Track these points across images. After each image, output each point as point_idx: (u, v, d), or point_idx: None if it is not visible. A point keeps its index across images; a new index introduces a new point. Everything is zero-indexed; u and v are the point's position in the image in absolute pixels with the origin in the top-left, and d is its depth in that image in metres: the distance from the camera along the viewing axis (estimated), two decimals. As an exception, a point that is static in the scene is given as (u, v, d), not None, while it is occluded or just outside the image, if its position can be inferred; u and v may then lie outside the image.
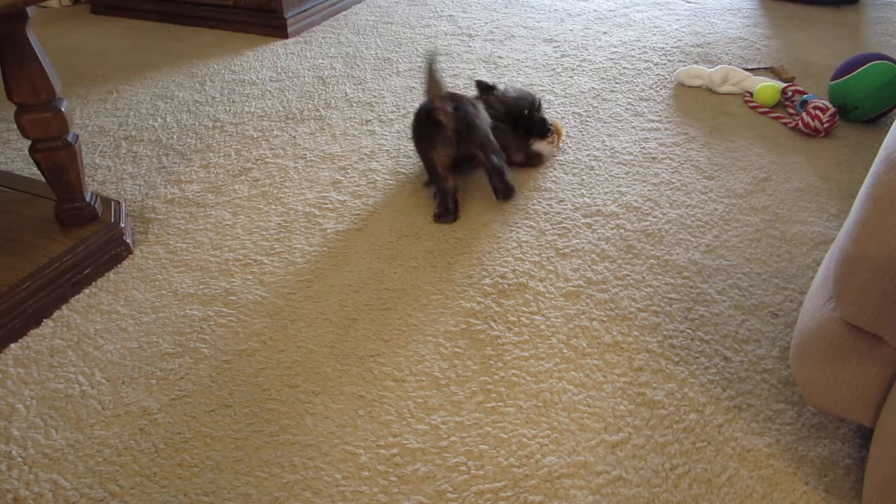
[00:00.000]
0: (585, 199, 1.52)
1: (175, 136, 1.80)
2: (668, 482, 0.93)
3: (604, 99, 1.93)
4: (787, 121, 1.78)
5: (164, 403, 1.06)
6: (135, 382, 1.10)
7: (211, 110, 1.93)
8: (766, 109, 1.84)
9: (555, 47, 2.28)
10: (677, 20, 2.49)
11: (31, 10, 1.15)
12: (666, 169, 1.62)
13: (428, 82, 1.44)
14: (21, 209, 1.39)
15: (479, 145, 1.45)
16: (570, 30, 2.42)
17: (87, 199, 1.34)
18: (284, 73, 2.14)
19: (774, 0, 2.67)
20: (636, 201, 1.50)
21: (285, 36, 2.41)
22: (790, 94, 1.86)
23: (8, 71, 1.16)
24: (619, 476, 0.94)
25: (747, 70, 2.01)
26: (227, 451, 0.99)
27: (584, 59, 2.18)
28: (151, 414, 1.05)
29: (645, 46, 2.26)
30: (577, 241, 1.39)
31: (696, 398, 1.05)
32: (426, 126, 1.45)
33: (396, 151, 1.71)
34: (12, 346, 1.17)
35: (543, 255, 1.35)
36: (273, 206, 1.52)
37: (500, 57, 2.21)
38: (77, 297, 1.28)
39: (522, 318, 1.20)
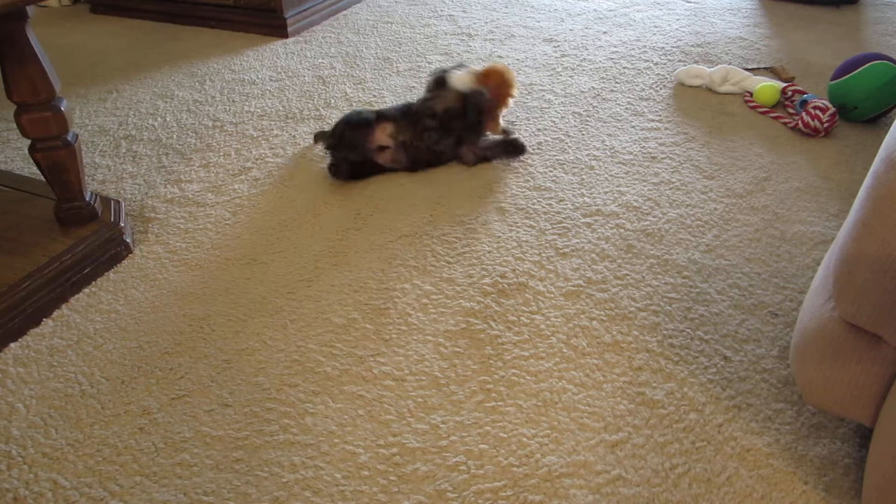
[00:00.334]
0: (585, 198, 1.52)
1: (175, 136, 1.80)
2: (667, 481, 0.93)
3: (604, 98, 1.93)
4: (786, 121, 1.78)
5: (163, 403, 1.06)
6: (134, 382, 1.10)
7: (211, 110, 1.93)
8: (765, 109, 1.84)
9: (555, 47, 2.28)
10: (677, 20, 2.49)
11: (30, 10, 1.15)
12: (666, 168, 1.62)
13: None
14: (21, 208, 1.39)
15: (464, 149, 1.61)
16: (570, 29, 2.42)
17: (87, 199, 1.34)
18: (284, 72, 2.14)
19: (774, 0, 2.67)
20: (636, 201, 1.50)
21: (285, 35, 2.41)
22: (790, 93, 1.86)
23: (8, 70, 1.16)
24: (618, 475, 0.94)
25: (747, 70, 2.01)
26: (226, 450, 0.99)
27: (584, 59, 2.18)
28: (151, 413, 1.05)
29: (645, 46, 2.26)
30: (577, 240, 1.39)
31: (695, 398, 1.05)
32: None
33: (396, 151, 1.71)
34: (12, 345, 1.17)
35: (543, 255, 1.35)
36: (273, 206, 1.52)
37: (500, 57, 2.21)
38: (77, 296, 1.28)
39: (522, 318, 1.20)
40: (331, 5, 2.61)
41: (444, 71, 1.64)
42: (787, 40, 2.30)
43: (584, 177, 1.59)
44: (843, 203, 1.48)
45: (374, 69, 2.14)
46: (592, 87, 2.00)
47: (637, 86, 2.00)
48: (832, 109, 1.70)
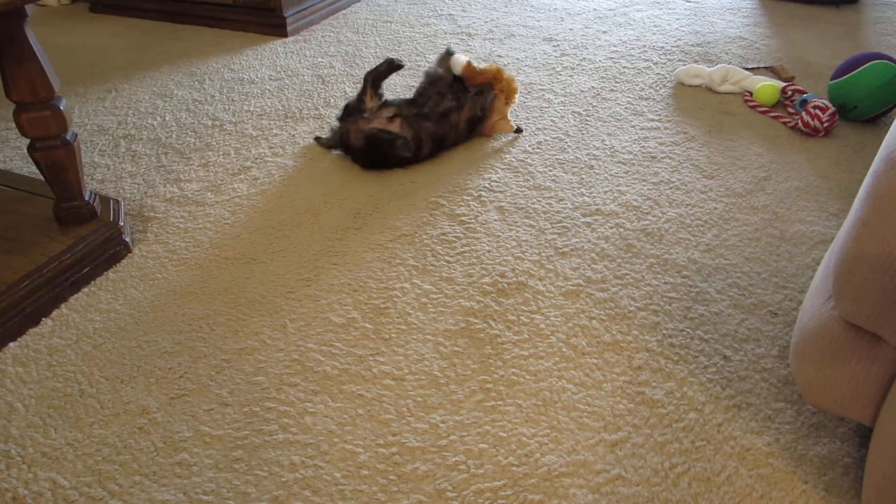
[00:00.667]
0: (585, 197, 1.51)
1: (174, 135, 1.80)
2: (667, 481, 0.93)
3: (603, 98, 1.93)
4: (786, 120, 1.78)
5: (163, 402, 1.06)
6: (134, 381, 1.10)
7: (210, 109, 1.93)
8: (765, 109, 1.84)
9: (554, 46, 2.28)
10: (677, 19, 2.49)
11: (29, 9, 1.15)
12: (665, 168, 1.62)
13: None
14: (20, 208, 1.38)
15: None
16: (570, 29, 2.42)
17: (86, 198, 1.34)
18: (284, 71, 2.14)
19: (774, -1, 2.67)
20: (636, 200, 1.50)
21: (284, 35, 2.41)
22: (790, 93, 1.86)
23: (7, 69, 1.16)
24: (618, 475, 0.94)
25: (747, 69, 2.01)
26: (226, 449, 0.99)
27: (584, 59, 2.18)
28: (150, 413, 1.05)
29: (645, 45, 2.26)
30: (577, 240, 1.39)
31: (695, 397, 1.05)
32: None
33: (396, 150, 1.71)
34: (11, 344, 1.17)
35: (543, 254, 1.35)
36: (272, 205, 1.52)
37: (500, 56, 2.21)
38: (76, 295, 1.27)
39: (522, 317, 1.20)
40: (330, 4, 2.61)
41: (450, 52, 1.75)
42: (786, 40, 2.30)
43: (583, 176, 1.59)
44: (842, 202, 1.48)
45: (374, 68, 2.14)
46: (592, 87, 1.99)
47: (637, 85, 2.00)
48: (832, 109, 1.70)
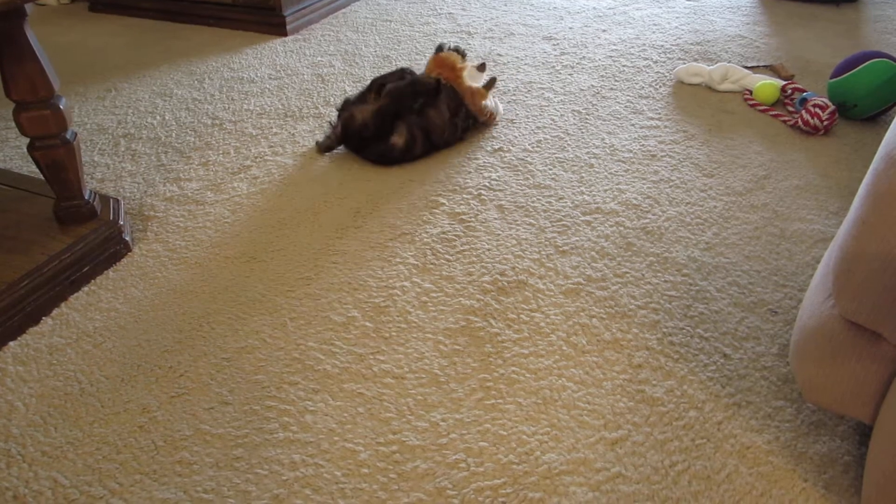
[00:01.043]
0: (585, 196, 1.51)
1: (174, 134, 1.80)
2: (667, 479, 0.93)
3: (603, 97, 1.93)
4: (786, 119, 1.78)
5: (163, 401, 1.06)
6: (134, 380, 1.10)
7: (210, 108, 1.93)
8: (765, 107, 1.84)
9: (554, 45, 2.28)
10: (677, 18, 2.49)
11: (29, 8, 1.15)
12: (665, 167, 1.62)
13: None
14: (20, 207, 1.38)
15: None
16: (570, 27, 2.42)
17: (86, 197, 1.34)
18: (283, 70, 2.14)
19: (774, -2, 2.67)
20: (636, 199, 1.50)
21: (284, 34, 2.41)
22: (790, 91, 1.86)
23: (6, 69, 1.16)
24: (618, 473, 0.94)
25: (747, 68, 2.01)
26: (226, 448, 0.99)
27: (584, 57, 2.18)
28: (151, 411, 1.05)
29: (644, 44, 2.26)
30: (577, 238, 1.39)
31: (695, 395, 1.05)
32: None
33: (396, 149, 1.71)
34: (11, 344, 1.17)
35: (543, 253, 1.35)
36: (272, 204, 1.52)
37: (500, 55, 2.21)
38: (76, 294, 1.27)
39: (522, 316, 1.20)
40: (329, 3, 2.61)
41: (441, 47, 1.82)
42: (786, 38, 2.30)
43: (583, 175, 1.59)
44: (842, 201, 1.48)
45: (374, 67, 2.14)
46: (592, 85, 1.99)
47: (636, 84, 2.00)
48: (832, 107, 1.70)
